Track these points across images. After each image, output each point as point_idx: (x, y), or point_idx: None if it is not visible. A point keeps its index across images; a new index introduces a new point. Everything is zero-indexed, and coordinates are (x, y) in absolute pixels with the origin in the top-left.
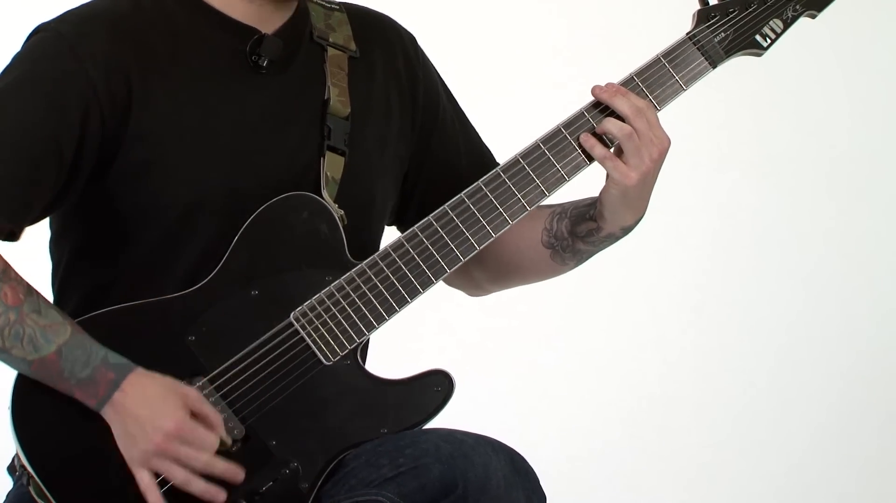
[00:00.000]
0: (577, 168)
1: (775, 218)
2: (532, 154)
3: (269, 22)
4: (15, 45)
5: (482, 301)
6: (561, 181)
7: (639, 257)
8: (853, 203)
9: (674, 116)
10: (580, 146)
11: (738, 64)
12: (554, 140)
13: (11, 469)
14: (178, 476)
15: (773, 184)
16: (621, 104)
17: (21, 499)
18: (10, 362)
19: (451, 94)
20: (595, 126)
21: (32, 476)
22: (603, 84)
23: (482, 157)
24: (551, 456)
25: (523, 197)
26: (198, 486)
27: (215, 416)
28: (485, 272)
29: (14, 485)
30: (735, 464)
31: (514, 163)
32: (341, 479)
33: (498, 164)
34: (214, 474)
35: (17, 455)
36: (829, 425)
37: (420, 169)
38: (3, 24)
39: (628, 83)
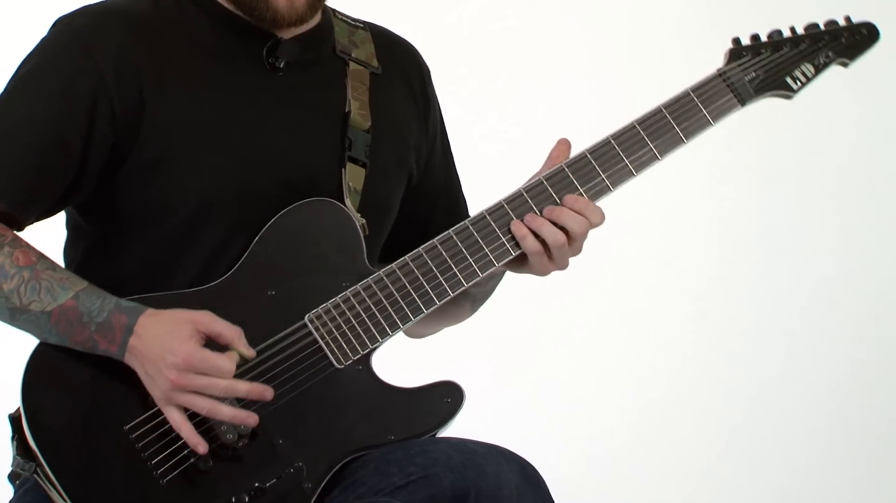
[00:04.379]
0: (505, 255)
1: (778, 225)
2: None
3: (288, 28)
4: (15, 45)
5: (491, 314)
6: (490, 265)
7: (642, 265)
8: (857, 211)
9: None
10: (510, 232)
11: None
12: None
13: (13, 476)
14: (203, 406)
15: (776, 191)
16: (571, 223)
17: None
18: (30, 323)
19: (447, 136)
20: (537, 211)
21: (37, 456)
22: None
23: (456, 206)
24: (559, 466)
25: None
26: (225, 412)
27: (231, 331)
28: None
29: (15, 492)
30: (738, 472)
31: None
32: (349, 487)
33: (468, 217)
34: (240, 396)
35: (15, 457)
36: (832, 433)
37: (403, 199)
38: (5, 23)
39: (580, 159)
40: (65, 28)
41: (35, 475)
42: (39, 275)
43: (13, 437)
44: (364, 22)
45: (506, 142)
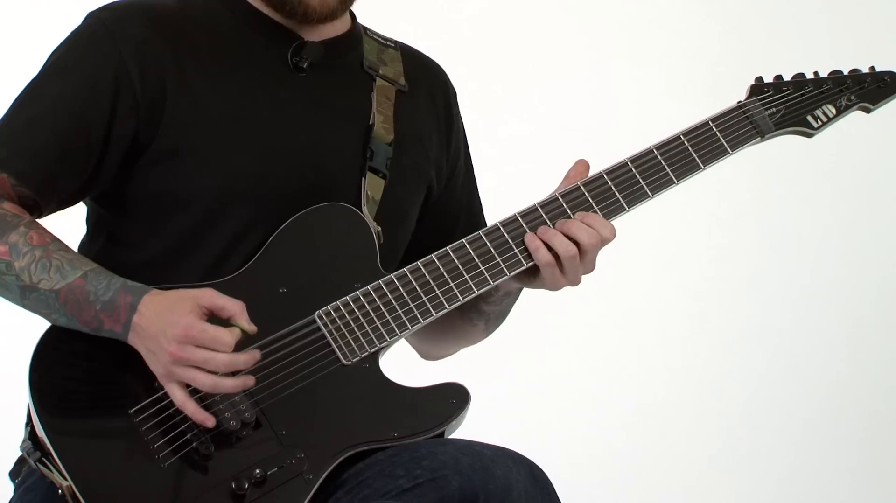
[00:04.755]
0: (517, 266)
1: (778, 225)
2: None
3: (315, 32)
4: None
5: None
6: (501, 274)
7: (641, 265)
8: (857, 211)
9: (676, 123)
10: (523, 244)
11: (743, 78)
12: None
13: (14, 474)
14: (204, 381)
15: (776, 191)
16: (581, 235)
17: None
18: (39, 302)
19: (471, 160)
20: (551, 224)
21: (44, 442)
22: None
23: (477, 228)
24: (559, 466)
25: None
26: (227, 385)
27: (233, 305)
28: (414, 337)
29: (15, 491)
30: (737, 472)
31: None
32: (354, 488)
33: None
34: (240, 369)
35: (25, 440)
36: (831, 432)
37: (421, 216)
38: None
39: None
40: (92, 21)
41: (39, 464)
42: (51, 254)
43: (27, 423)
44: (395, 41)
45: (506, 142)
